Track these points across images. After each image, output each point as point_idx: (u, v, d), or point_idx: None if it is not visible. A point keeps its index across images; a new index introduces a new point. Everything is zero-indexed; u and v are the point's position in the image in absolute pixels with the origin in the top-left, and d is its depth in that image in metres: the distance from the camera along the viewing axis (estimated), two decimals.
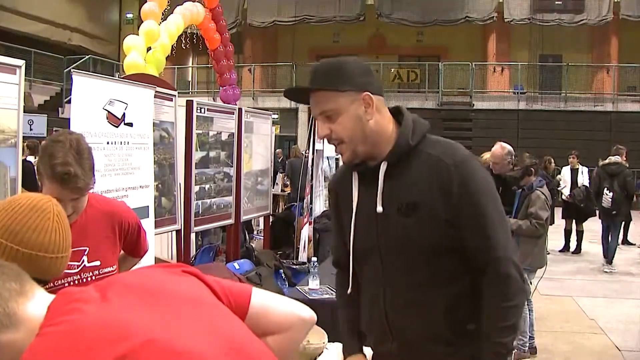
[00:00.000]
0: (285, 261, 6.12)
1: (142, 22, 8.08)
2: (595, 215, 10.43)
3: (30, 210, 1.73)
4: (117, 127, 4.05)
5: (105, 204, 2.68)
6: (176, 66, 22.80)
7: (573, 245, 11.35)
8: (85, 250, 2.43)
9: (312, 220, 6.97)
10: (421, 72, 23.38)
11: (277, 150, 14.88)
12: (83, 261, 2.43)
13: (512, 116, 21.17)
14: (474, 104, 21.89)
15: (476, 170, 1.96)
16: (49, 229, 1.73)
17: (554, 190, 9.43)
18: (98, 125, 3.89)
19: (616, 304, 7.63)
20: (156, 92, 4.57)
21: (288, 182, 12.20)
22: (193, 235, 5.73)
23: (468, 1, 22.25)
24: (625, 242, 12.00)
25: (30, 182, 4.21)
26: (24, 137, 3.70)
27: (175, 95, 5.07)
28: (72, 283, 2.34)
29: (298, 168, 9.73)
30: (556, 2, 22.26)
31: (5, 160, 3.39)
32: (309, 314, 1.59)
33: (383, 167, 1.98)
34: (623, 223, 10.77)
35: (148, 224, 4.26)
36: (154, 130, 4.54)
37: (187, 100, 5.34)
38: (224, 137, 5.77)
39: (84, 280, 2.39)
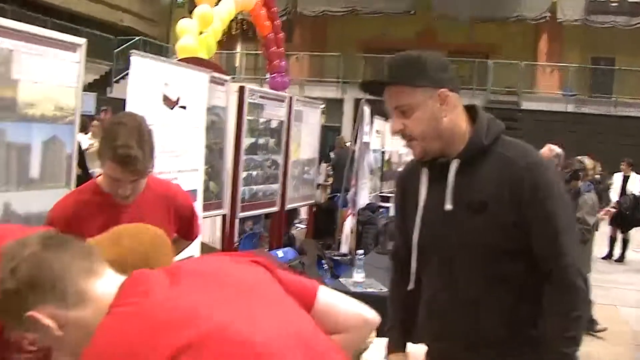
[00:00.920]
0: (327, 252, 6.11)
1: (193, 5, 8.11)
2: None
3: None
4: (171, 109, 4.07)
5: (162, 186, 2.70)
6: (225, 51, 22.91)
7: (617, 253, 11.11)
8: None
9: (356, 212, 6.94)
10: (470, 69, 23.09)
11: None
12: None
13: (560, 118, 20.78)
14: (521, 104, 21.56)
15: (549, 174, 1.91)
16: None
17: (601, 196, 9.25)
18: (153, 106, 3.91)
19: None
20: (210, 76, 4.58)
21: (331, 173, 12.18)
22: (237, 221, 5.76)
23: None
24: None
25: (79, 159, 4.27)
26: None
27: (227, 81, 5.08)
28: None
29: (344, 159, 9.70)
30: (611, 4, 21.75)
31: (63, 137, 3.43)
32: (372, 315, 1.58)
33: (455, 164, 1.94)
34: None
35: (196, 207, 4.28)
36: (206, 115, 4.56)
37: (239, 86, 5.35)
38: (274, 124, 5.77)
39: None
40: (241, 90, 5.30)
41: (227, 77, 5.15)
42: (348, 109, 21.41)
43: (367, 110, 6.98)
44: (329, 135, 20.70)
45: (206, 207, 4.73)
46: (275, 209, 5.90)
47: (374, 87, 2.09)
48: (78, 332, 1.27)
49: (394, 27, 24.16)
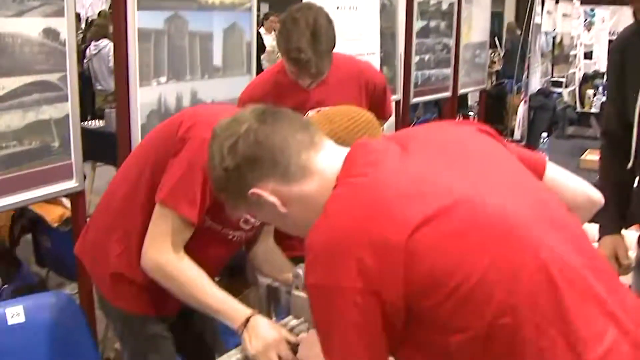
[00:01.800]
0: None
1: None
2: None
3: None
4: None
5: (351, 64, 2.68)
6: None
7: None
8: None
9: (528, 98, 6.69)
10: None
11: None
12: None
13: None
14: None
15: None
16: None
17: None
18: None
19: None
20: None
21: (497, 59, 11.71)
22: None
23: None
24: None
25: None
26: None
27: None
28: None
29: (514, 45, 9.26)
30: None
31: (242, 24, 3.50)
32: (597, 195, 1.48)
33: None
34: None
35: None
36: None
37: None
38: (444, 6, 5.58)
39: None
40: None
41: None
42: None
43: None
44: (492, 20, 19.76)
45: None
46: (447, 94, 5.79)
47: None
48: (302, 208, 1.25)
49: None
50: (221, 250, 1.91)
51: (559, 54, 8.72)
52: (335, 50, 2.43)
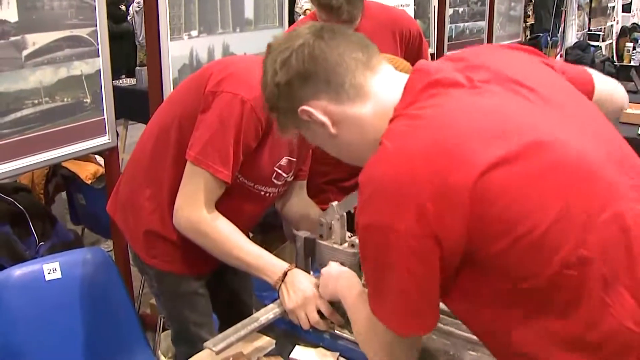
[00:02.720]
0: None
1: None
2: None
3: None
4: None
5: (385, 11, 2.60)
6: None
7: None
8: None
9: (564, 51, 6.51)
10: None
11: None
12: None
13: None
14: None
15: None
16: None
17: None
18: None
19: None
20: None
21: (530, 13, 11.42)
22: None
23: None
24: None
25: None
26: None
27: None
28: None
29: None
30: None
31: None
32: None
33: None
34: None
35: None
36: None
37: None
38: None
39: None
40: None
41: None
42: None
43: None
44: None
45: None
46: None
47: None
48: (353, 132, 1.19)
49: None
50: (254, 207, 1.88)
51: (596, 7, 8.48)
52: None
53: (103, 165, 3.11)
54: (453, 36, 5.20)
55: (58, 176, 3.65)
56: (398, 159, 1.03)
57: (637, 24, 8.41)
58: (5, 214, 2.89)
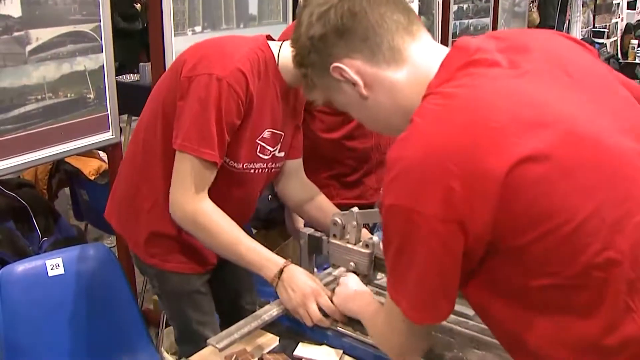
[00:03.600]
0: None
1: None
2: None
3: None
4: None
5: None
6: None
7: None
8: None
9: None
10: None
11: None
12: None
13: None
14: None
15: None
16: None
17: None
18: None
19: None
20: None
21: (534, 8, 11.40)
22: None
23: None
24: None
25: None
26: None
27: None
28: None
29: None
30: None
31: None
32: None
33: None
34: None
35: None
36: None
37: None
38: None
39: None
40: None
41: None
42: None
43: None
44: None
45: None
46: None
47: None
48: (385, 97, 1.14)
49: None
50: (246, 189, 1.84)
51: (601, 3, 8.46)
52: None
53: (106, 161, 3.10)
54: (457, 33, 5.18)
55: (61, 172, 3.64)
56: (429, 138, 0.99)
57: None
58: (8, 209, 2.88)
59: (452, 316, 1.49)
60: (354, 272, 1.67)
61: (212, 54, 1.65)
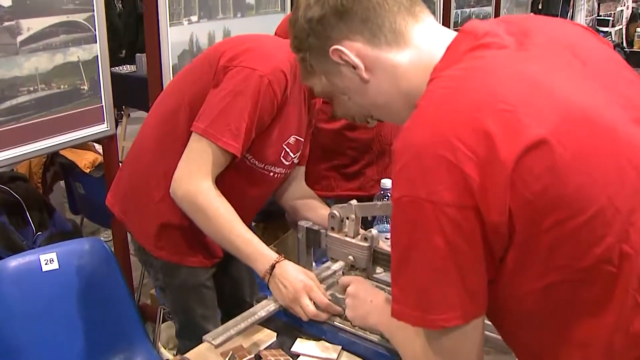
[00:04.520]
0: None
1: None
2: None
3: None
4: None
5: None
6: None
7: None
8: None
9: None
10: None
11: None
12: None
13: None
14: None
15: None
16: None
17: None
18: None
19: None
20: None
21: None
22: None
23: None
24: None
25: None
26: None
27: None
28: None
29: None
30: None
31: None
32: None
33: None
34: None
35: None
36: None
37: None
38: None
39: None
40: None
41: None
42: None
43: None
44: None
45: None
46: None
47: None
48: (387, 80, 1.09)
49: None
50: (259, 191, 1.84)
51: None
52: None
53: (102, 153, 3.06)
54: (459, 21, 5.13)
55: (56, 165, 3.61)
56: (438, 123, 0.93)
57: None
58: (2, 203, 2.85)
59: None
60: (352, 266, 1.62)
61: (254, 48, 1.64)
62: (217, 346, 1.49)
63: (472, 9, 5.31)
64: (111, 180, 1.98)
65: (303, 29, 1.13)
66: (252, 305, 1.68)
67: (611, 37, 7.16)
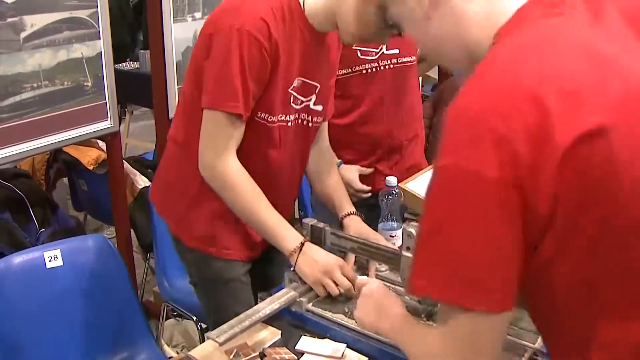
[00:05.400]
0: None
1: None
2: None
3: None
4: None
5: None
6: None
7: None
8: None
9: None
10: None
11: None
12: None
13: None
14: None
15: None
16: None
17: None
18: None
19: None
20: None
21: None
22: None
23: None
24: None
25: None
26: None
27: None
28: None
29: None
30: None
31: None
32: None
33: None
34: None
35: None
36: None
37: None
38: None
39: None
40: None
41: None
42: None
43: None
44: None
45: None
46: None
47: None
48: (449, 23, 1.00)
49: None
50: (285, 152, 1.78)
51: None
52: None
53: (105, 150, 3.06)
54: None
55: (59, 161, 3.60)
56: (496, 92, 0.86)
57: None
58: (5, 200, 2.84)
59: None
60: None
61: (228, 7, 1.63)
62: (221, 344, 1.48)
63: None
64: (115, 177, 1.98)
65: None
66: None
67: None
